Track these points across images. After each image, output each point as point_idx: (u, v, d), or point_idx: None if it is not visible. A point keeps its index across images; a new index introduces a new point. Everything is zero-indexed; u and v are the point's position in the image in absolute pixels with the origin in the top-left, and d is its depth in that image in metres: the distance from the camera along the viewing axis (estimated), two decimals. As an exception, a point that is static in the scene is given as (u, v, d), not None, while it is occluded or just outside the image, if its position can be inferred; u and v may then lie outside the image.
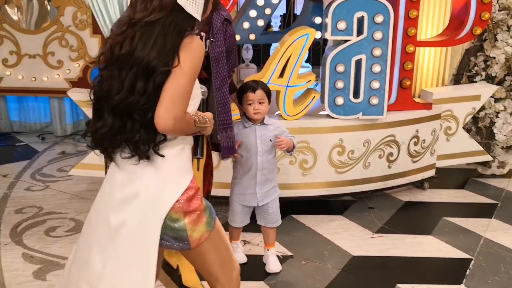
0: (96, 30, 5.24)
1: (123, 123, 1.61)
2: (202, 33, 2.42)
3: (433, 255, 3.23)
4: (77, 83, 5.45)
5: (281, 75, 3.56)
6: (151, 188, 1.70)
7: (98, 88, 1.66)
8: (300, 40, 3.50)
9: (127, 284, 1.74)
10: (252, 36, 3.86)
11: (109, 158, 1.74)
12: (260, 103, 2.79)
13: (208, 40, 2.44)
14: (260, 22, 4.21)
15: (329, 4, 3.59)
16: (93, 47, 5.51)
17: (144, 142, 1.63)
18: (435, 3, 4.29)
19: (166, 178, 1.71)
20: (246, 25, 3.81)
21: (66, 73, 5.59)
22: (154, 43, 1.56)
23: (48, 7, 5.64)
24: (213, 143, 2.69)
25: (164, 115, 1.56)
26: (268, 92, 2.84)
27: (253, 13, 3.82)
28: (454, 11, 4.13)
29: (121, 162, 1.72)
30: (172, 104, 1.56)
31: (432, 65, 4.44)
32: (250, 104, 2.79)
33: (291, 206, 3.73)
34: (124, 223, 1.72)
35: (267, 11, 4.17)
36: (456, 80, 4.65)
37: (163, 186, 1.71)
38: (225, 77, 2.51)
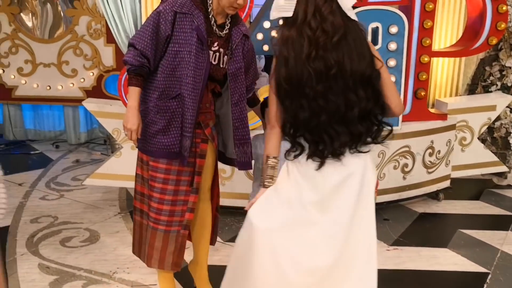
0: (110, 39, 5.28)
1: (364, 127, 1.93)
2: (221, 49, 2.41)
3: (449, 268, 3.20)
4: (91, 92, 5.50)
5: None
6: (365, 167, 2.00)
7: (320, 107, 1.86)
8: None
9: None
10: (265, 47, 3.85)
11: (324, 159, 1.95)
12: None
13: (226, 56, 2.43)
14: (274, 33, 4.19)
15: (344, 15, 3.58)
16: (107, 56, 5.55)
17: (377, 134, 1.99)
18: (449, 13, 4.27)
19: (370, 158, 2.03)
20: (260, 36, 3.81)
21: (80, 82, 5.63)
22: (358, 55, 1.84)
23: (62, 14, 5.69)
24: (227, 158, 2.64)
25: (400, 103, 2.01)
26: None
27: (266, 24, 3.82)
28: (469, 21, 4.10)
29: (342, 157, 1.96)
30: (396, 92, 2.00)
31: (446, 74, 4.42)
32: None
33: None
34: (342, 203, 1.97)
35: (280, 22, 4.15)
36: (471, 90, 4.62)
37: (370, 166, 2.02)
38: (243, 92, 2.48)
